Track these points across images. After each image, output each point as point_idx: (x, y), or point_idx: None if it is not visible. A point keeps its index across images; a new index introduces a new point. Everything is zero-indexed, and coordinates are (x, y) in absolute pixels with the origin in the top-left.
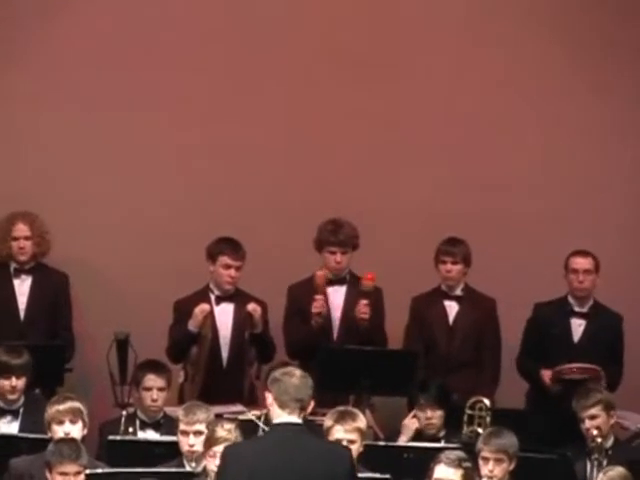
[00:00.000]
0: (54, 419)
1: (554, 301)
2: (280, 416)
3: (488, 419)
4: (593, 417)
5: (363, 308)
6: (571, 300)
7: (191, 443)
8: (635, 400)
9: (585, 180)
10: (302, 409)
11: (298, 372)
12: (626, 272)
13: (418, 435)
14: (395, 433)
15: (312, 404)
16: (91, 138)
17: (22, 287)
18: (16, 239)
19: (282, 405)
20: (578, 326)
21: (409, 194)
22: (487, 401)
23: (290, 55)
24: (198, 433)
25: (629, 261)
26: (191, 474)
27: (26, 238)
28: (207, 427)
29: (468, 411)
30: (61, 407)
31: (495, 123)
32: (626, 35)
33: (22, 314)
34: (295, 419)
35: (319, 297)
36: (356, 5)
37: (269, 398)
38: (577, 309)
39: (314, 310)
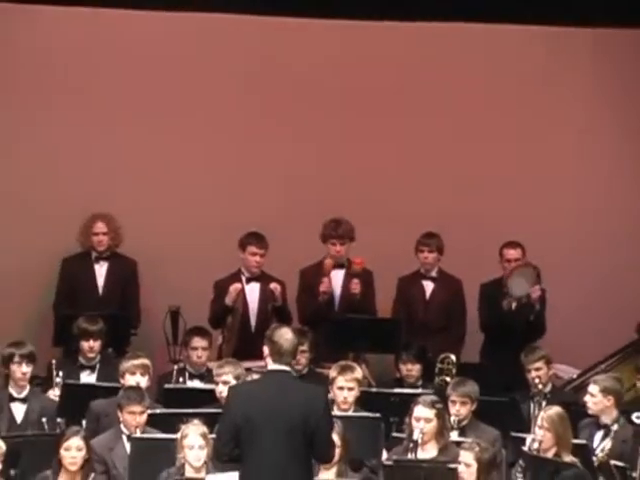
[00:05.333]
0: (128, 370)
1: (495, 280)
2: (272, 365)
3: (454, 371)
4: (537, 369)
5: (354, 285)
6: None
7: (219, 390)
8: (561, 354)
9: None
10: (290, 359)
11: (285, 331)
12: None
13: (400, 383)
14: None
15: (298, 354)
16: (154, 155)
17: (100, 270)
18: (96, 234)
19: (275, 357)
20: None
21: (397, 198)
22: (453, 357)
23: (285, 76)
24: (225, 383)
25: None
26: None
27: (104, 234)
28: (239, 377)
29: (439, 365)
30: (135, 362)
31: (473, 139)
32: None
33: (100, 291)
34: (284, 367)
35: (326, 279)
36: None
37: (266, 351)
38: None
39: (322, 289)
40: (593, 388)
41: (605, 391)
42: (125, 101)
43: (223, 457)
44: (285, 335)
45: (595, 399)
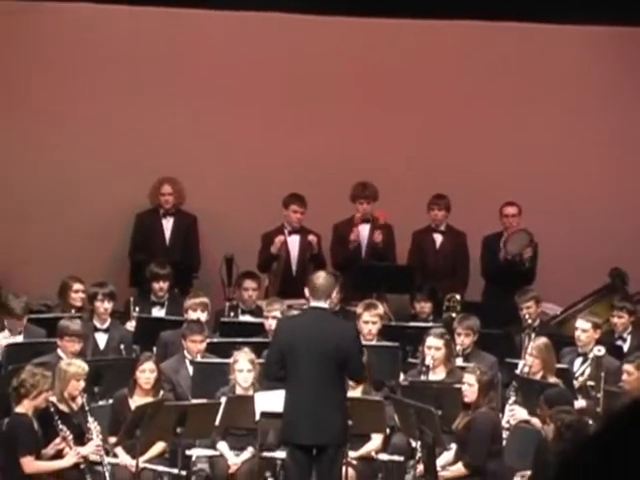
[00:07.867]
0: (191, 307)
1: (495, 234)
2: (312, 302)
3: (459, 308)
4: (528, 307)
5: (377, 236)
6: (505, 233)
7: (269, 324)
8: (548, 294)
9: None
10: (327, 297)
11: (323, 274)
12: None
13: (415, 318)
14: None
15: (335, 294)
16: (212, 131)
17: (167, 224)
18: (163, 195)
19: (313, 296)
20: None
21: (414, 165)
22: (458, 296)
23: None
24: (274, 317)
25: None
26: None
27: (169, 194)
28: (284, 312)
29: (446, 303)
30: (197, 300)
31: (477, 117)
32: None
33: (167, 241)
34: (322, 304)
35: (355, 229)
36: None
37: (306, 292)
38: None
39: (352, 238)
40: (585, 324)
41: (596, 326)
42: (189, 88)
43: (271, 377)
44: (319, 278)
45: (587, 333)
